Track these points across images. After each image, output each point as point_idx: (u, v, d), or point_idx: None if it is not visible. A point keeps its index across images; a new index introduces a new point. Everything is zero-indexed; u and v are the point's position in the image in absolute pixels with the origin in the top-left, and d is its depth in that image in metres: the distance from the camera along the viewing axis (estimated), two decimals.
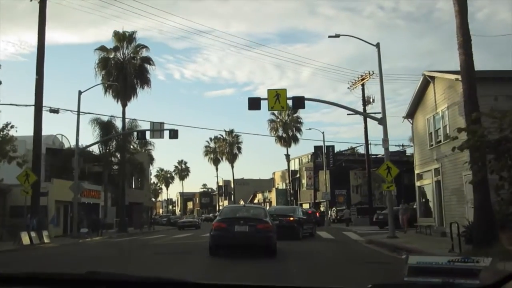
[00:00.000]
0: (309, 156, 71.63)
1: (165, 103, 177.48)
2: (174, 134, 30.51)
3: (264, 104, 22.75)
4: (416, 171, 24.92)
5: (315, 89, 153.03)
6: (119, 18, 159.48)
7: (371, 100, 41.69)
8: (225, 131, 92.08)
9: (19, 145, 26.77)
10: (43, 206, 29.90)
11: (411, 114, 25.09)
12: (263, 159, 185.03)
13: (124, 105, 40.76)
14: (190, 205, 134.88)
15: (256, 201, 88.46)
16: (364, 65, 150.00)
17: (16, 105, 25.73)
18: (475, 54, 14.13)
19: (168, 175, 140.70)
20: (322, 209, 61.78)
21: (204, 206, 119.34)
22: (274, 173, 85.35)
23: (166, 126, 30.92)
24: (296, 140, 67.50)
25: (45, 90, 24.39)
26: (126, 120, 43.83)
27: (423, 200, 24.54)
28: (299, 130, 67.51)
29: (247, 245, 13.68)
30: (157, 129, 30.80)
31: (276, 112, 68.31)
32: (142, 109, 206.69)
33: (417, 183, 24.96)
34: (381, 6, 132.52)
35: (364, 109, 41.12)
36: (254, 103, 23.01)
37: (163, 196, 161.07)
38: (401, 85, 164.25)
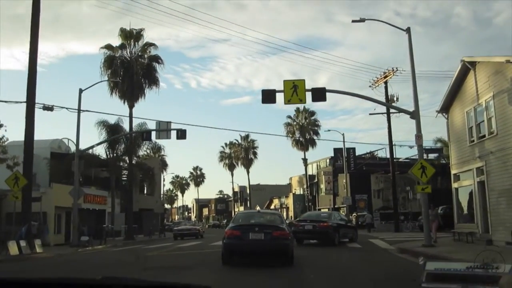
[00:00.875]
0: (327, 160, 68.73)
1: (182, 110, 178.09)
2: (181, 134, 28.03)
3: (280, 99, 20.17)
4: (453, 172, 21.99)
5: (332, 97, 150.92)
6: (136, 28, 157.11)
7: (395, 99, 38.82)
8: (240, 136, 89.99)
9: (16, 148, 24.65)
10: (42, 213, 27.78)
11: (445, 108, 22.24)
12: (280, 164, 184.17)
13: (131, 106, 38.46)
14: (205, 211, 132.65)
15: (272, 206, 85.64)
16: (381, 69, 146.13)
17: (5, 101, 23.48)
18: None
19: (184, 182, 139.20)
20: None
21: (219, 212, 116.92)
22: (291, 178, 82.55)
23: (175, 126, 28.54)
24: (313, 143, 64.76)
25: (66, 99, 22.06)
26: (136, 122, 41.74)
27: (462, 204, 21.59)
28: (316, 133, 64.77)
29: (263, 254, 13.02)
30: (164, 129, 28.35)
31: (292, 115, 65.83)
32: (156, 114, 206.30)
33: (454, 185, 22.02)
34: (398, 13, 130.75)
35: (388, 108, 38.26)
36: (268, 96, 20.43)
37: (178, 203, 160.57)
38: (421, 88, 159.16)
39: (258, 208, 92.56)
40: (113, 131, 39.42)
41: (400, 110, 20.25)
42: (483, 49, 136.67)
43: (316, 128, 64.60)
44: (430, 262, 1.97)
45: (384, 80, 38.42)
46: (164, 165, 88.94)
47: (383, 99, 38.73)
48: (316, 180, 68.61)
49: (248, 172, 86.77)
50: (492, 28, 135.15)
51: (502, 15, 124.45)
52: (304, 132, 63.99)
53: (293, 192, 77.99)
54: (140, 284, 2.34)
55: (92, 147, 31.35)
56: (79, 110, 27.74)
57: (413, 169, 19.30)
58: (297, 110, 65.43)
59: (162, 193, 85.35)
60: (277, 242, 12.84)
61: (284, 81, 20.46)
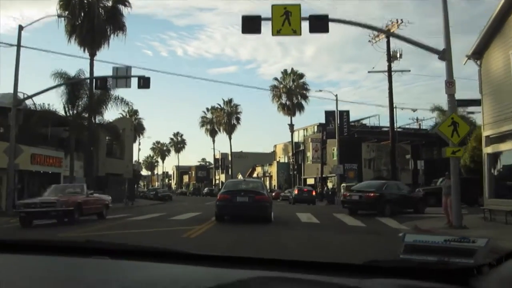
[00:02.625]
0: (315, 127, 64.00)
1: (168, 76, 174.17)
2: (144, 82, 22.82)
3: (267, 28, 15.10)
4: (486, 133, 17.21)
5: (318, 68, 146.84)
6: None
7: (398, 55, 33.79)
8: (223, 100, 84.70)
9: None
10: None
11: (479, 52, 17.34)
12: (264, 132, 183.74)
13: (92, 55, 32.93)
14: (186, 178, 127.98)
15: (255, 175, 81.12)
16: (367, 45, 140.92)
17: None
18: None
19: (165, 148, 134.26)
20: (330, 185, 54.53)
21: (200, 179, 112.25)
22: (275, 146, 77.85)
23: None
24: (301, 108, 59.92)
25: None
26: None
27: (497, 174, 16.90)
28: (304, 97, 59.82)
29: (247, 213, 15.81)
30: (122, 76, 23.08)
31: (279, 77, 60.74)
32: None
33: (487, 150, 17.26)
34: None
35: (390, 66, 33.32)
36: (250, 24, 15.26)
37: (159, 170, 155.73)
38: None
39: (240, 176, 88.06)
40: (73, 84, 34.05)
41: (426, 49, 15.18)
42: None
43: (304, 91, 59.64)
44: (409, 235, 1.88)
45: (389, 31, 33.18)
46: (141, 129, 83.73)
47: (384, 56, 33.78)
48: (302, 148, 63.98)
49: (230, 139, 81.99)
50: None
51: None
52: (291, 96, 58.99)
53: (278, 160, 73.37)
54: (127, 248, 2.30)
55: (34, 95, 25.82)
56: (18, 46, 22.25)
57: (441, 126, 14.49)
58: (285, 72, 60.29)
59: (137, 158, 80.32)
60: (259, 204, 15.94)
61: (273, 5, 15.29)
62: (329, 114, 39.68)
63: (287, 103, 59.18)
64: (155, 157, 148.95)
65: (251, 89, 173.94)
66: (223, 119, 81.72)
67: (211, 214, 18.18)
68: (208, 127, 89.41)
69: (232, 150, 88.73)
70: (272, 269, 1.89)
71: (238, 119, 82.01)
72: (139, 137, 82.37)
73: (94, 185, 39.67)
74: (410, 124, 62.00)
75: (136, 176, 68.60)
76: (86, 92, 34.15)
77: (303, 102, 59.63)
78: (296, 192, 38.69)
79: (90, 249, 2.20)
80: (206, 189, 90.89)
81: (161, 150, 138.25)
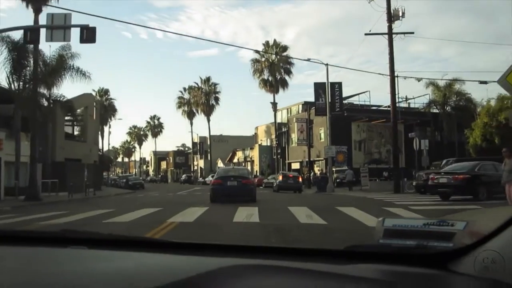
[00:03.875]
0: (300, 106, 59.07)
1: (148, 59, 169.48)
2: (89, 34, 17.45)
3: None
4: None
5: (300, 51, 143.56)
6: None
7: (400, 14, 28.86)
8: (200, 78, 79.20)
9: None
10: None
11: None
12: (245, 113, 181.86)
13: (37, 11, 27.19)
14: (164, 164, 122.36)
15: (235, 160, 76.12)
16: (351, 26, 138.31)
17: None
18: None
19: (142, 133, 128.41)
20: (317, 170, 49.76)
21: (178, 165, 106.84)
22: (256, 128, 72.76)
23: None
24: (285, 84, 54.88)
25: None
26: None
27: None
28: (288, 72, 54.80)
29: (236, 194, 19.27)
30: (59, 26, 17.66)
31: (261, 50, 55.27)
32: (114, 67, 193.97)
33: None
34: None
35: (390, 27, 28.42)
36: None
37: (136, 156, 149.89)
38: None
39: (220, 162, 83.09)
40: (19, 51, 28.54)
41: None
42: None
43: (288, 66, 54.52)
44: (389, 219, 1.86)
45: None
46: (112, 110, 77.84)
47: (383, 16, 28.83)
48: (286, 129, 59.02)
49: (208, 121, 76.71)
50: None
51: None
52: (274, 71, 53.86)
53: (259, 143, 68.37)
54: (104, 237, 2.30)
55: None
56: None
57: (509, 75, 9.61)
58: (266, 44, 55.02)
59: (108, 142, 74.55)
60: (245, 187, 19.79)
61: None
62: (318, 87, 34.53)
63: (270, 78, 54.06)
64: (132, 143, 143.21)
65: (231, 68, 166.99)
66: (201, 99, 76.32)
67: (174, 211, 13.56)
68: (186, 108, 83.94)
69: (212, 134, 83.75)
70: (251, 256, 1.89)
71: (217, 99, 76.84)
72: (110, 119, 76.60)
73: (50, 172, 34.37)
74: (400, 102, 57.42)
75: (106, 162, 63.12)
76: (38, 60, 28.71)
77: (286, 77, 54.68)
78: (280, 178, 33.79)
79: (67, 239, 2.21)
80: (184, 175, 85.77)
81: (137, 135, 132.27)
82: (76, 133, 45.07)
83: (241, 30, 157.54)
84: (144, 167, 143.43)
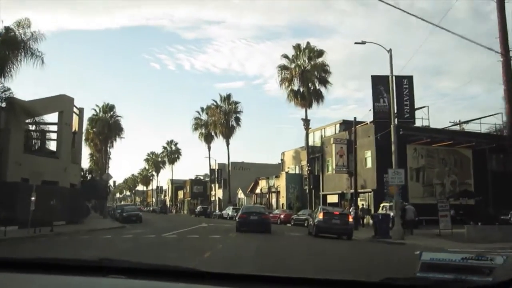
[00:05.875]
0: (337, 126, 48.07)
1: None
2: None
3: None
4: None
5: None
6: (130, 7, 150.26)
7: None
8: (220, 95, 69.15)
9: None
10: None
11: None
12: (270, 140, 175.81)
13: None
14: (181, 194, 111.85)
15: (258, 190, 64.95)
16: (374, 64, 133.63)
17: None
18: None
19: (159, 159, 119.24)
20: (361, 204, 38.28)
21: (195, 195, 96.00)
22: (283, 154, 61.70)
23: None
24: (319, 97, 44.05)
25: None
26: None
27: None
28: (324, 82, 43.93)
29: (256, 226, 24.46)
30: None
31: (290, 55, 44.78)
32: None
33: None
34: (397, 2, 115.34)
35: None
36: None
37: (153, 184, 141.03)
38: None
39: (240, 191, 72.15)
40: None
41: None
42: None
43: (324, 74, 43.73)
44: (426, 253, 1.89)
45: None
46: (117, 129, 68.05)
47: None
48: (319, 153, 47.85)
49: (228, 144, 66.12)
50: None
51: None
52: (306, 80, 43.14)
53: (286, 170, 57.18)
54: (142, 267, 2.31)
55: None
56: None
57: None
58: (297, 47, 44.40)
59: (106, 164, 64.46)
60: (264, 221, 25.64)
61: None
62: (378, 81, 23.00)
63: (301, 89, 43.32)
64: (150, 170, 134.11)
65: (257, 100, 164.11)
66: (219, 119, 65.99)
67: None
68: (203, 130, 73.77)
69: (232, 160, 73.08)
70: (280, 286, 1.90)
71: (238, 120, 66.35)
72: (115, 139, 66.69)
73: None
74: (460, 123, 45.72)
75: (100, 188, 52.78)
76: None
77: (322, 88, 43.77)
78: (321, 216, 22.34)
79: (105, 268, 2.21)
80: (199, 207, 74.97)
81: (155, 162, 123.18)
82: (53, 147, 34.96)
83: (267, 63, 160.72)
84: (162, 196, 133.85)
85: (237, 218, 27.38)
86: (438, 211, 24.41)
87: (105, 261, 2.35)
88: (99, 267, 2.21)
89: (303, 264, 11.46)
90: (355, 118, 34.00)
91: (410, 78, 22.62)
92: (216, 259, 11.78)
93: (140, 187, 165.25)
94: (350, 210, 32.04)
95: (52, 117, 33.96)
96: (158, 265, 2.35)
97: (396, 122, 22.60)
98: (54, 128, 34.23)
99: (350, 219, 22.92)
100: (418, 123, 41.36)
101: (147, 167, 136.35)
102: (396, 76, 22.56)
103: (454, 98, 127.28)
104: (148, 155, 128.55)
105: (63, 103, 32.69)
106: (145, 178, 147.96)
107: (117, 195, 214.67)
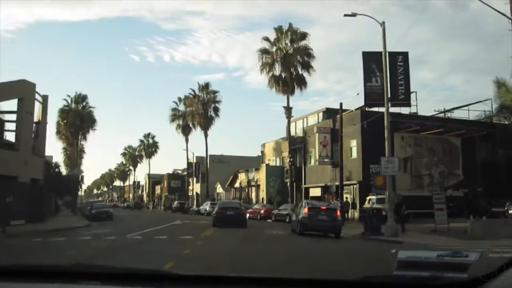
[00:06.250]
0: (320, 114, 45.63)
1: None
2: None
3: None
4: None
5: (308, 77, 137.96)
6: None
7: None
8: (198, 84, 66.18)
9: None
10: None
11: None
12: (250, 132, 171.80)
13: None
14: (158, 189, 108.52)
15: (237, 183, 62.30)
16: (357, 52, 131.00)
17: None
18: None
19: (136, 154, 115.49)
20: (346, 198, 35.96)
21: (173, 190, 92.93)
22: (263, 145, 59.11)
23: None
24: (302, 83, 41.55)
25: None
26: None
27: None
28: (307, 66, 41.36)
29: (232, 221, 25.33)
30: None
31: (271, 38, 42.10)
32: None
33: None
34: None
35: None
36: None
37: (130, 179, 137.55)
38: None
39: (219, 185, 69.48)
40: None
41: None
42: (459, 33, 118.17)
43: (307, 58, 41.15)
44: (402, 251, 1.93)
45: None
46: (91, 121, 64.68)
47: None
48: (302, 143, 45.39)
49: (206, 135, 63.38)
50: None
51: None
52: (288, 65, 40.55)
53: (267, 163, 54.61)
54: (118, 271, 2.24)
55: None
56: None
57: None
58: (279, 29, 41.72)
59: (76, 156, 61.04)
60: (240, 216, 26.94)
61: None
62: (370, 58, 20.13)
63: (283, 74, 40.72)
64: (127, 165, 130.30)
65: (238, 93, 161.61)
66: (197, 109, 63.08)
67: None
68: (180, 122, 70.85)
69: (211, 153, 70.30)
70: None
71: (216, 110, 63.62)
72: (88, 131, 63.24)
73: None
74: (451, 110, 43.62)
75: (70, 183, 49.49)
76: None
77: (305, 74, 41.20)
78: (306, 211, 19.63)
79: (78, 273, 2.14)
80: (175, 202, 72.02)
81: (132, 156, 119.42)
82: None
83: (248, 54, 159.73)
84: (140, 191, 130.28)
85: (213, 214, 28.40)
86: (434, 204, 22.12)
87: (79, 267, 2.27)
88: (73, 273, 2.12)
89: (290, 271, 8.95)
90: (341, 104, 31.64)
91: (405, 55, 20.08)
92: (179, 269, 9.16)
93: (118, 183, 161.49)
94: (337, 204, 29.65)
95: (11, 105, 30.87)
96: (134, 269, 2.27)
97: (389, 104, 19.97)
98: (14, 117, 30.96)
99: (338, 215, 20.34)
100: (405, 110, 39.38)
101: (124, 162, 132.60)
102: (389, 53, 20.00)
103: (433, 89, 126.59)
104: (125, 149, 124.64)
105: (23, 89, 29.45)
106: (122, 173, 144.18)
107: (95, 191, 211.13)
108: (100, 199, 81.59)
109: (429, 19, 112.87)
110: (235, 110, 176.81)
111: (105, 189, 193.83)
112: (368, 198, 33.30)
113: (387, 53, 19.86)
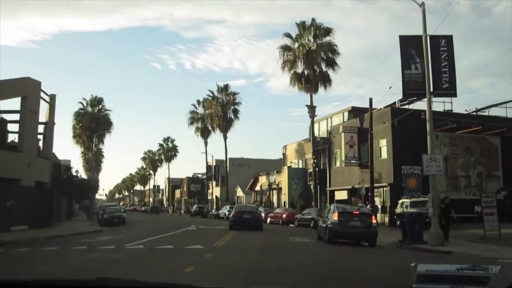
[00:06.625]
0: (345, 114, 42.90)
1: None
2: None
3: None
4: None
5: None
6: (131, 6, 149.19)
7: None
8: (217, 85, 64.08)
9: None
10: None
11: None
12: (271, 135, 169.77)
13: None
14: (178, 193, 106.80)
15: (258, 186, 59.87)
16: (375, 60, 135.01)
17: None
18: None
19: (156, 158, 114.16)
20: (374, 201, 33.15)
21: (192, 194, 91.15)
22: (285, 147, 56.54)
23: None
24: (326, 80, 38.91)
25: None
26: None
27: None
28: (332, 64, 38.78)
29: (249, 224, 26.27)
30: None
31: (294, 34, 39.63)
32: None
33: None
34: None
35: None
36: None
37: (150, 183, 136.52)
38: None
39: (239, 188, 67.20)
40: None
41: None
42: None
43: (332, 55, 38.56)
44: (421, 264, 1.87)
45: None
46: (106, 124, 63.18)
47: None
48: (326, 144, 42.74)
49: (225, 138, 61.13)
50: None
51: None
52: (311, 62, 38.02)
53: (289, 165, 52.03)
54: (137, 285, 2.26)
55: None
56: None
57: None
58: (301, 25, 39.26)
59: (92, 158, 59.33)
60: (256, 219, 27.55)
61: None
62: (408, 42, 17.33)
63: (305, 72, 38.19)
64: (147, 169, 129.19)
65: (259, 99, 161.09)
66: (216, 112, 60.92)
67: None
68: (199, 125, 68.85)
69: (231, 157, 68.16)
70: None
71: (236, 111, 61.33)
72: (104, 134, 61.71)
73: None
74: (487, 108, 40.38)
75: (85, 187, 47.72)
76: None
77: (330, 71, 38.59)
78: (336, 217, 16.96)
79: (102, 287, 2.00)
80: (195, 206, 69.91)
81: (152, 160, 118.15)
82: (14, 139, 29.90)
83: (269, 61, 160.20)
84: (160, 195, 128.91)
85: (231, 217, 29.11)
86: (482, 208, 19.32)
87: (102, 280, 2.24)
88: (96, 286, 2.13)
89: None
90: (370, 99, 29.18)
91: (449, 39, 17.28)
92: None
93: (138, 187, 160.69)
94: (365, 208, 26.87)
95: (15, 104, 29.07)
96: (154, 282, 2.32)
97: (430, 95, 17.29)
98: (17, 117, 29.10)
99: (374, 221, 17.71)
100: (438, 107, 36.48)
101: (144, 166, 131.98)
102: (431, 36, 17.37)
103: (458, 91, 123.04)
104: (145, 153, 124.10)
105: (26, 87, 27.54)
106: (143, 177, 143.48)
107: (116, 195, 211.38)
108: (114, 203, 78.99)
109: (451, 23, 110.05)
110: (256, 115, 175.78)
111: (126, 193, 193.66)
112: (400, 201, 30.50)
113: (428, 37, 17.20)
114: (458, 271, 1.78)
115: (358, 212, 17.91)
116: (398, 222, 19.61)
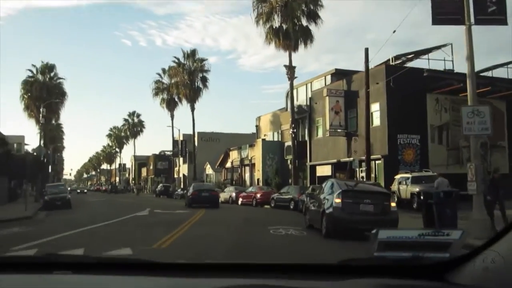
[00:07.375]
0: (327, 77, 37.28)
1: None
2: None
3: None
4: None
5: (298, 59, 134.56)
6: None
7: None
8: (183, 52, 57.79)
9: None
10: None
11: None
12: (243, 107, 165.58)
13: None
14: (144, 171, 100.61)
15: (229, 163, 54.25)
16: (349, 36, 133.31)
17: None
18: None
19: (122, 134, 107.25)
20: (362, 178, 28.07)
21: (159, 172, 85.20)
22: (258, 118, 50.92)
23: None
24: (307, 36, 33.31)
25: None
26: None
27: None
28: (314, 17, 33.08)
29: (206, 202, 27.97)
30: None
31: None
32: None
33: None
34: None
35: None
36: None
37: (116, 162, 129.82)
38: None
39: (208, 165, 61.68)
40: None
41: None
42: None
43: (313, 7, 32.82)
44: (383, 231, 1.82)
45: None
46: (61, 94, 56.36)
47: None
48: (307, 113, 37.31)
49: (193, 109, 55.19)
50: None
51: None
52: (290, 14, 32.23)
53: (263, 137, 46.46)
54: (90, 261, 2.17)
55: None
56: None
57: None
58: None
59: (41, 132, 52.48)
60: (213, 197, 29.32)
61: None
62: None
63: (284, 26, 32.40)
64: (114, 147, 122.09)
65: (230, 76, 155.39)
66: (183, 80, 54.82)
67: None
68: (165, 96, 62.80)
69: (200, 130, 62.51)
70: (243, 275, 1.76)
71: (204, 80, 55.31)
72: (56, 104, 54.75)
73: None
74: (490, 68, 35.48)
75: (30, 164, 41.16)
76: None
77: (311, 25, 32.92)
78: (338, 200, 11.44)
79: (50, 264, 2.07)
80: (159, 186, 64.10)
81: (118, 137, 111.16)
82: None
83: (241, 38, 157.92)
84: (126, 174, 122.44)
85: (189, 195, 30.18)
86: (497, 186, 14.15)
87: (51, 256, 2.20)
88: (45, 263, 2.04)
89: None
90: (366, 49, 23.61)
91: None
92: None
93: (105, 166, 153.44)
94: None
95: None
96: (106, 257, 2.28)
97: (468, 21, 11.90)
98: None
99: (393, 204, 12.25)
100: (438, 66, 31.39)
101: (110, 144, 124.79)
102: None
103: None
104: (111, 129, 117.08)
105: None
106: (109, 156, 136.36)
107: (84, 174, 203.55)
108: (62, 183, 72.55)
109: None
110: (228, 92, 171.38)
111: (94, 173, 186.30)
112: (397, 176, 25.46)
113: None
114: (420, 237, 1.70)
115: (370, 191, 12.43)
116: (415, 204, 14.40)
